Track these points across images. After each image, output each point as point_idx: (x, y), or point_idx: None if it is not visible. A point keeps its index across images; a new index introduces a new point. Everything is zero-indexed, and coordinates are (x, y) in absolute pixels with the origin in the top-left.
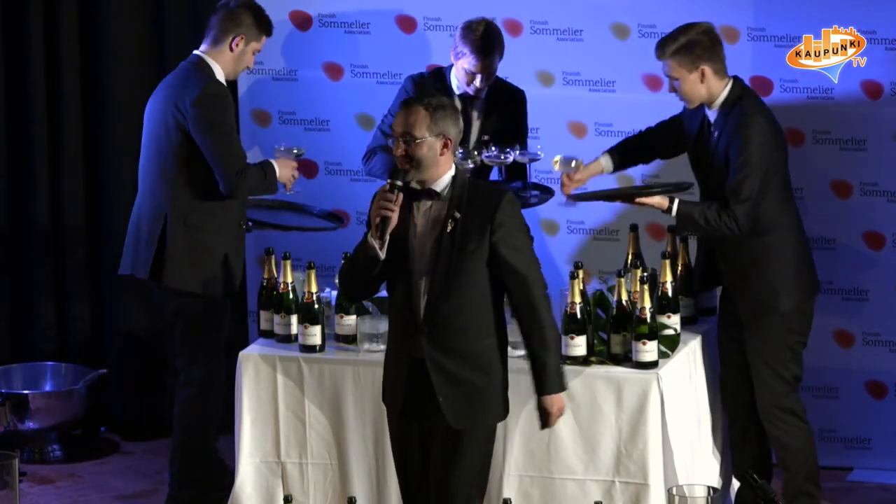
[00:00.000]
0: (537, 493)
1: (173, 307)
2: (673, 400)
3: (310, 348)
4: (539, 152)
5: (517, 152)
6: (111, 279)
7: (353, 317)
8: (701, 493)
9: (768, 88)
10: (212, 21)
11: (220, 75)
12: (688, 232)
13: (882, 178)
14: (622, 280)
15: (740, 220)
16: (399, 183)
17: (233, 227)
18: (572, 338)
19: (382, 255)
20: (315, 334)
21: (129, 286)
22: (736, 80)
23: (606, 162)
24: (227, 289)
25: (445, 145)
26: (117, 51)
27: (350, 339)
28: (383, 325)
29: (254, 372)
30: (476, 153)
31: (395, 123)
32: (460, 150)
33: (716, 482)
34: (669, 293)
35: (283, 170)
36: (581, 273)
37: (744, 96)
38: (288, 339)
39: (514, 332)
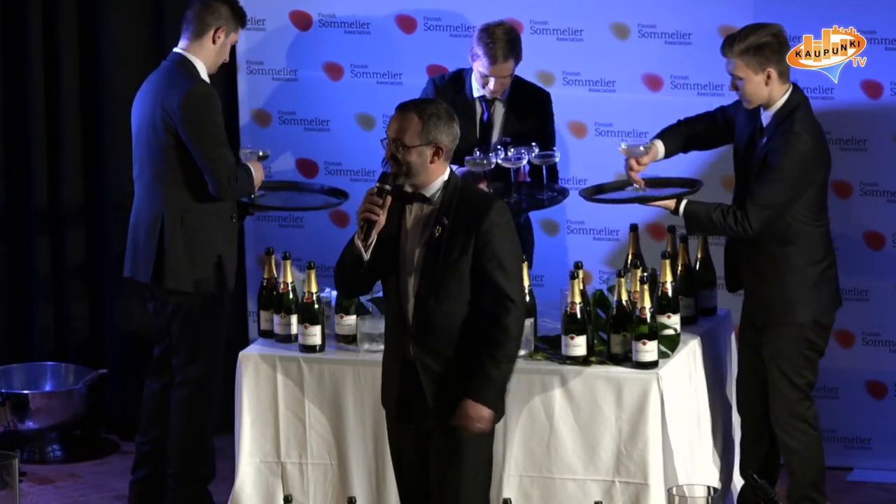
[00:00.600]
0: (537, 493)
1: (172, 306)
2: (673, 400)
3: (310, 348)
4: (555, 153)
5: (532, 154)
6: (111, 279)
7: (353, 317)
8: (701, 493)
9: None
10: (188, 16)
11: (204, 72)
12: (697, 232)
13: (882, 178)
14: (622, 280)
15: (752, 222)
16: (387, 187)
17: (227, 222)
18: (572, 338)
19: (367, 256)
20: (315, 334)
21: (129, 286)
22: (795, 87)
23: (662, 147)
24: (226, 285)
25: (436, 153)
26: (117, 51)
27: (350, 340)
28: (383, 325)
29: (254, 372)
30: (484, 158)
31: (389, 126)
32: (477, 153)
33: (716, 482)
34: (669, 293)
35: (257, 173)
36: (581, 273)
37: (799, 107)
38: (288, 339)
39: None
